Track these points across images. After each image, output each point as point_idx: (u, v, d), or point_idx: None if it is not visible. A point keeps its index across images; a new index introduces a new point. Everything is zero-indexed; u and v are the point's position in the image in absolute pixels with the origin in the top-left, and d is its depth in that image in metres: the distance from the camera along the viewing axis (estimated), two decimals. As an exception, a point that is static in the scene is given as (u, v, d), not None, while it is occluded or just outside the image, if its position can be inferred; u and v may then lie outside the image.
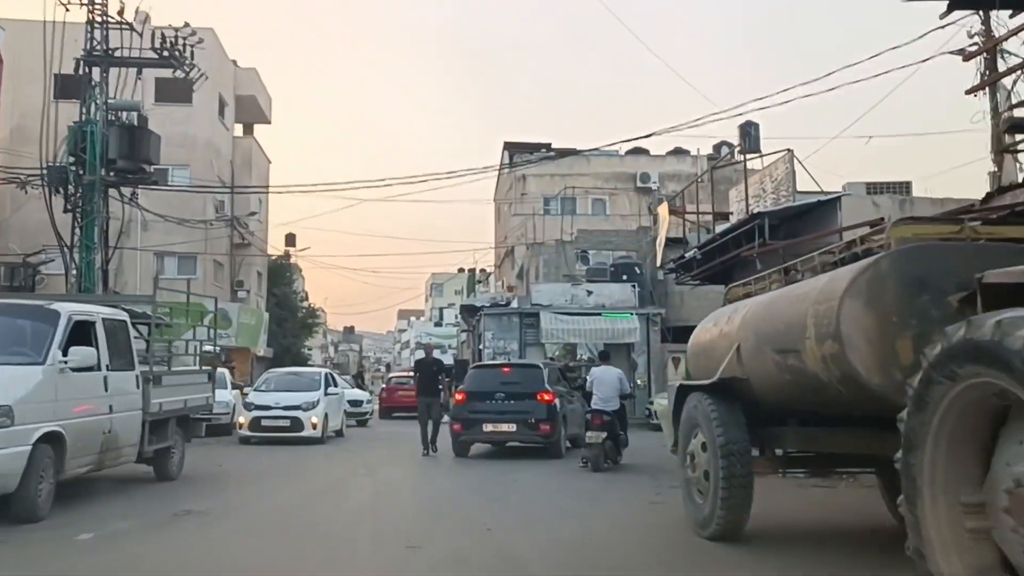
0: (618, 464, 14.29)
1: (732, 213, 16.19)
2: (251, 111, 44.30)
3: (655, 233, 30.78)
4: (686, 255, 15.55)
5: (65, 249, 24.73)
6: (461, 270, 66.71)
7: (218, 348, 36.53)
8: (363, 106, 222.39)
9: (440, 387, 17.12)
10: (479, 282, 45.78)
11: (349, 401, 25.47)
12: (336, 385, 20.44)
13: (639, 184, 40.54)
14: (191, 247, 36.53)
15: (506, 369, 17.13)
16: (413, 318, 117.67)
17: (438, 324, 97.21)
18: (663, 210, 17.30)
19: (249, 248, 41.71)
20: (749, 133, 42.19)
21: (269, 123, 47.27)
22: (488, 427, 15.87)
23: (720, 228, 16.89)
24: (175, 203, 34.65)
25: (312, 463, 15.18)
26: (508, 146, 44.89)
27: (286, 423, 18.57)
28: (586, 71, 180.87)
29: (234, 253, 41.34)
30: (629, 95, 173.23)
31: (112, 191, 25.13)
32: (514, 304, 30.00)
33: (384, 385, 33.28)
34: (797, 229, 12.87)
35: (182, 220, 33.60)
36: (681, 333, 30.23)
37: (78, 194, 24.74)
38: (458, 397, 16.41)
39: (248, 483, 12.47)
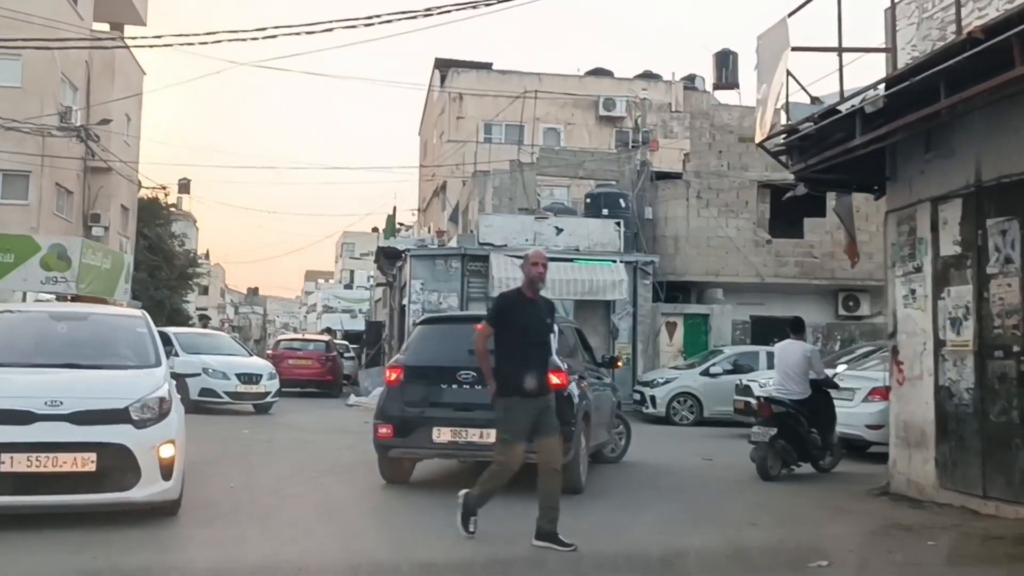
0: (823, 469, 10.45)
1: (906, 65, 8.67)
2: (117, 3, 35.20)
3: (642, 157, 23.22)
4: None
5: None
6: (375, 229, 59.33)
7: (59, 296, 28.03)
8: (265, 16, 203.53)
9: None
10: (401, 226, 37.56)
11: (239, 375, 17.19)
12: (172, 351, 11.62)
13: (602, 112, 33.10)
14: (22, 163, 27.67)
15: (480, 326, 9.46)
16: (321, 280, 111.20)
17: (348, 286, 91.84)
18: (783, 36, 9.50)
19: (110, 174, 32.86)
20: (726, 64, 35.33)
21: (143, 24, 37.99)
22: (444, 433, 8.38)
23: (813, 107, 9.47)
24: (2, 104, 25.87)
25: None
26: (440, 64, 36.81)
27: (85, 463, 6.40)
28: None
29: (88, 178, 32.45)
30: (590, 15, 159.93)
31: None
32: (452, 244, 22.14)
33: (270, 351, 24.80)
34: None
35: (10, 123, 24.79)
36: (675, 290, 22.95)
37: None
38: (390, 376, 8.88)
39: None
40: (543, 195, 26.43)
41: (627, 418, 11.67)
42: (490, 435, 8.28)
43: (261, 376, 17.62)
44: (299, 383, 21.74)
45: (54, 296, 27.58)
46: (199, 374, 16.99)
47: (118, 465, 6.45)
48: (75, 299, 28.44)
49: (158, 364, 7.56)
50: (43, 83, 28.09)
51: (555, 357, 8.60)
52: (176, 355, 17.41)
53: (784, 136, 9.23)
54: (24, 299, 27.15)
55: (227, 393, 16.97)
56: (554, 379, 8.44)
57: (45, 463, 6.34)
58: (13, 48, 17.71)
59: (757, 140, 9.45)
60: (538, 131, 33.16)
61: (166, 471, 6.69)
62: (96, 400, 6.62)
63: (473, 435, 8.31)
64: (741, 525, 7.37)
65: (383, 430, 8.57)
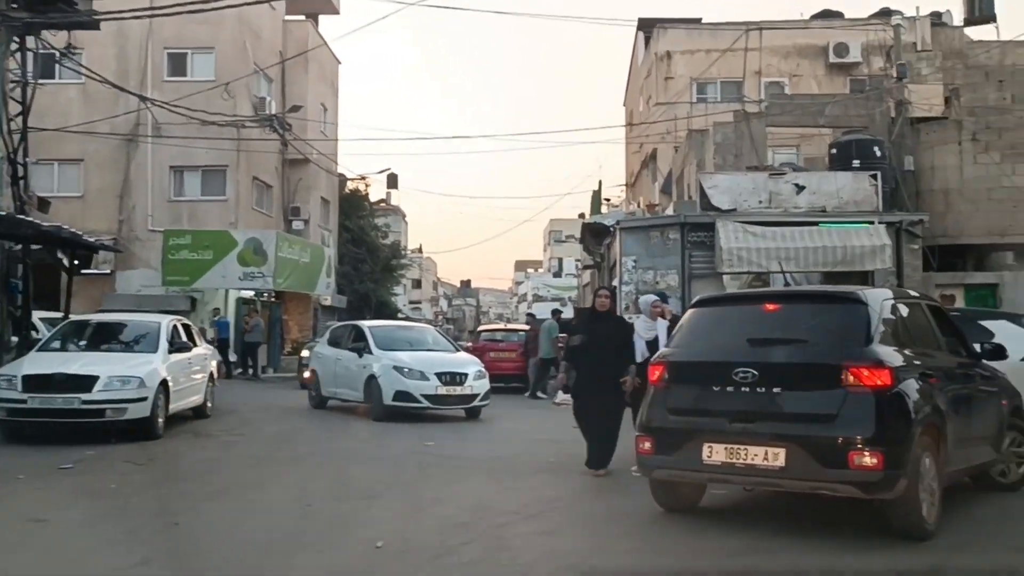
0: None
1: None
2: (311, -5, 34.40)
3: (897, 96, 19.19)
4: None
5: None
6: (581, 215, 57.45)
7: (258, 293, 27.00)
8: None
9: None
10: (607, 202, 34.64)
11: (440, 374, 14.12)
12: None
13: (832, 59, 28.98)
14: (220, 158, 26.97)
15: (770, 306, 6.57)
16: (530, 269, 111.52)
17: (557, 274, 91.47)
18: None
19: (308, 166, 32.01)
20: (979, -7, 29.94)
21: (337, 12, 37.12)
22: (716, 451, 5.89)
23: None
24: (196, 100, 24.98)
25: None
26: (644, 24, 33.68)
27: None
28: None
29: (286, 171, 31.73)
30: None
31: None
32: (669, 212, 19.05)
33: (471, 343, 22.42)
34: None
35: (205, 118, 23.80)
36: (950, 255, 18.83)
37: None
38: (652, 375, 6.65)
39: None
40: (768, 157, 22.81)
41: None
42: (778, 456, 5.45)
43: (467, 375, 14.77)
44: (502, 378, 19.20)
45: (252, 292, 26.79)
46: (392, 374, 14.56)
47: None
48: (272, 296, 27.57)
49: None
50: (237, 75, 27.26)
51: (874, 346, 5.57)
52: (369, 352, 15.24)
53: None
54: (226, 296, 26.51)
55: (425, 396, 14.24)
56: (866, 377, 5.45)
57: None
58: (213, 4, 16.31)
59: None
60: (759, 86, 29.43)
61: None
62: None
63: (755, 455, 5.65)
64: None
65: (644, 444, 6.45)
